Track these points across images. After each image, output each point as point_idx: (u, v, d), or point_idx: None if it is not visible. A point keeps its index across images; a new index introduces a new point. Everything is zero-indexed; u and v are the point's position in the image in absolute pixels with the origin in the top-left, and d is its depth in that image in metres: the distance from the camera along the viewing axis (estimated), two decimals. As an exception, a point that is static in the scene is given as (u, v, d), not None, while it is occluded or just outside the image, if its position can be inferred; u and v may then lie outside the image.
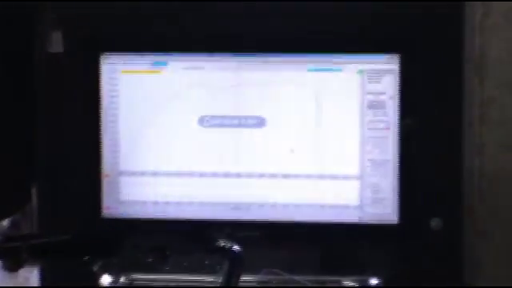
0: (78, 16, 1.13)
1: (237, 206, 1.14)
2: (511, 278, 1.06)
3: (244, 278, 1.00)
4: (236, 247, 1.01)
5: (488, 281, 1.06)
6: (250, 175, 1.13)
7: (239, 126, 1.12)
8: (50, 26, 1.13)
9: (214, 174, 1.13)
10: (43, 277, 1.14)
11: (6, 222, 1.10)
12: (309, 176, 1.12)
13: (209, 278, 1.11)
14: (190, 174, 1.14)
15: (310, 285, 1.10)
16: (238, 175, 1.13)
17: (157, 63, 1.13)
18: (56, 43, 1.13)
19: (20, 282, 1.11)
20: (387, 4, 1.09)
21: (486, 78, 1.06)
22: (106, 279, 1.12)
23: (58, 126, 1.15)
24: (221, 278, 0.97)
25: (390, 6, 1.09)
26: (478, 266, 1.07)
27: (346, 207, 1.12)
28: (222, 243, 1.03)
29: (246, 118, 1.12)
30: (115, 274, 1.13)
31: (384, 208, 1.12)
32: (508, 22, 1.06)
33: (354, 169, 1.12)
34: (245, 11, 1.11)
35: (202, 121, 1.13)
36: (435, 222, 1.11)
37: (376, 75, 1.11)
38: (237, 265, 1.01)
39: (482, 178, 1.07)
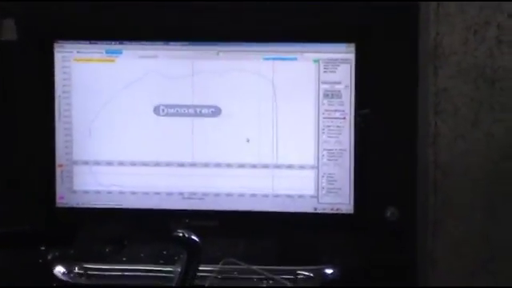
0: (31, 3, 1.23)
1: (192, 196, 1.24)
2: (464, 268, 1.18)
3: (202, 267, 1.05)
4: (194, 237, 1.07)
5: (440, 270, 1.18)
6: (205, 165, 1.24)
7: (195, 115, 1.22)
8: (1, 14, 1.22)
9: (170, 164, 1.24)
10: (-4, 267, 1.23)
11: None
12: (265, 165, 1.23)
13: (167, 268, 1.19)
14: (145, 164, 1.24)
15: (266, 274, 1.19)
16: (194, 164, 1.24)
17: (111, 51, 1.23)
18: (8, 31, 1.23)
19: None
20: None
21: (441, 67, 1.15)
22: (59, 269, 1.23)
23: (11, 115, 1.25)
24: (179, 268, 1.02)
25: (345, -5, 1.16)
26: (431, 255, 1.19)
27: (302, 197, 1.23)
28: (179, 233, 1.09)
29: (201, 107, 1.22)
30: (69, 264, 1.23)
31: (340, 198, 1.23)
32: (462, 11, 1.16)
33: (309, 158, 1.22)
34: (201, 2, 1.21)
35: (157, 110, 1.23)
36: (390, 212, 1.23)
37: (332, 64, 1.21)
38: (195, 255, 1.06)
39: (437, 169, 1.16)
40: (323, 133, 1.22)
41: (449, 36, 1.14)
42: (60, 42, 1.23)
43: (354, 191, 1.22)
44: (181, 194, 1.25)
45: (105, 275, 1.22)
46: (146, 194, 1.25)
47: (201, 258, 1.02)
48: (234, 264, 1.19)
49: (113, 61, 1.23)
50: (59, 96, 1.24)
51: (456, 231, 1.16)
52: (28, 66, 1.24)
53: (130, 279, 1.21)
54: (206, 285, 1.16)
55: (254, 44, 1.22)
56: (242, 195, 1.24)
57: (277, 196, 1.23)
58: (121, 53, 1.23)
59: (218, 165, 1.23)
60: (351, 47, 1.21)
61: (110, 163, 1.25)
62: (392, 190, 1.22)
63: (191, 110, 1.22)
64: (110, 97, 1.23)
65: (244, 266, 1.19)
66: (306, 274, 1.22)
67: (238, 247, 1.23)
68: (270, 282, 1.19)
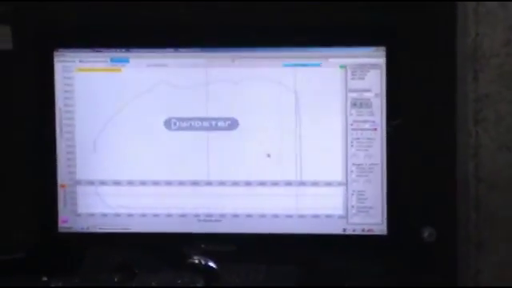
0: (28, 9, 1.20)
1: (208, 218, 1.20)
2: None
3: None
4: (211, 263, 1.06)
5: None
6: (222, 183, 1.20)
7: (209, 128, 1.19)
8: (-3, 21, 1.18)
9: (183, 183, 1.20)
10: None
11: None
12: (288, 183, 1.19)
13: (182, 299, 1.12)
14: (156, 183, 1.20)
15: (291, 303, 1.15)
16: (209, 183, 1.20)
17: (116, 60, 1.20)
18: (4, 39, 1.20)
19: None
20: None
21: (481, 71, 1.11)
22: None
23: (8, 131, 1.22)
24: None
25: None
26: (474, 281, 1.13)
27: (330, 217, 1.19)
28: (195, 259, 1.09)
29: (216, 119, 1.19)
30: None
31: (371, 217, 1.19)
32: (504, 9, 1.11)
33: (337, 174, 1.18)
34: (214, 2, 1.17)
35: (168, 123, 1.20)
36: (428, 233, 1.18)
37: (360, 70, 1.17)
38: (212, 283, 1.05)
39: (479, 183, 1.12)
40: (352, 146, 1.18)
41: (489, 37, 1.10)
42: (60, 50, 1.20)
43: (387, 210, 1.18)
44: (196, 215, 1.21)
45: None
46: (157, 216, 1.21)
47: (219, 287, 0.99)
48: (254, 292, 1.13)
49: (119, 70, 1.20)
50: (60, 109, 1.21)
51: (502, 252, 1.12)
52: (26, 77, 1.21)
53: (140, 310, 1.16)
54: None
55: (274, 49, 1.18)
56: (262, 216, 1.20)
57: (301, 216, 1.19)
58: (127, 61, 1.20)
59: (235, 183, 1.20)
60: (381, 51, 1.17)
61: (117, 183, 1.21)
62: (429, 207, 1.18)
63: (205, 123, 1.19)
64: (116, 110, 1.20)
65: (266, 294, 1.13)
66: (335, 302, 1.16)
67: (259, 274, 1.17)
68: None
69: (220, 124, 1.19)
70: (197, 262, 1.07)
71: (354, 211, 1.19)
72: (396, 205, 1.18)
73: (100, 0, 1.19)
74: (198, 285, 1.08)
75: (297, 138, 1.18)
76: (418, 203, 1.18)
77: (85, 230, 1.22)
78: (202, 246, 1.17)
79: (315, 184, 1.19)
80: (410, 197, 1.18)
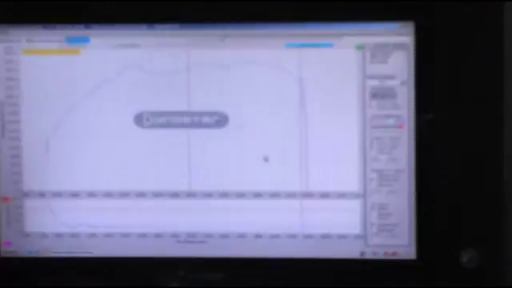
0: None
1: (190, 238, 1.10)
2: None
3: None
4: None
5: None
6: (207, 194, 1.09)
7: (191, 125, 1.09)
8: None
9: (158, 194, 1.10)
10: None
11: None
12: (290, 194, 1.09)
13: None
14: (125, 195, 1.10)
15: None
16: (192, 194, 1.09)
17: (74, 39, 1.09)
18: None
19: None
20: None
21: None
22: None
23: None
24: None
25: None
26: None
27: (344, 237, 1.09)
28: None
29: (200, 114, 1.08)
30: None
31: (396, 238, 1.08)
32: None
33: (353, 183, 1.08)
34: None
35: (139, 119, 1.09)
36: (467, 257, 1.07)
37: (382, 52, 1.07)
38: None
39: None
40: (371, 147, 1.07)
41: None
42: (1, 26, 1.09)
43: (416, 228, 1.07)
44: (174, 235, 1.10)
45: None
46: (127, 236, 1.10)
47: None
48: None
49: (77, 52, 1.09)
50: (2, 103, 1.09)
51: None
52: None
53: None
54: None
55: (273, 25, 1.07)
56: (258, 236, 1.09)
57: (308, 236, 1.09)
58: (87, 41, 1.09)
59: (224, 194, 1.09)
60: (408, 27, 1.06)
61: (75, 194, 1.10)
62: (469, 225, 1.07)
63: (187, 119, 1.09)
64: (73, 102, 1.09)
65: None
66: None
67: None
68: None
69: (205, 120, 1.09)
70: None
71: (374, 230, 1.08)
72: (427, 222, 1.07)
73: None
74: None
75: (302, 138, 1.08)
76: (455, 220, 1.07)
77: (34, 255, 1.11)
78: (182, 273, 1.10)
79: (325, 196, 1.08)
80: (444, 212, 1.07)
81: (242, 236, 1.09)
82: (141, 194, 1.10)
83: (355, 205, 1.08)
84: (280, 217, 1.09)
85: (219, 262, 1.10)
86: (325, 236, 1.08)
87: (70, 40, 1.09)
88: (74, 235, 1.10)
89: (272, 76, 1.07)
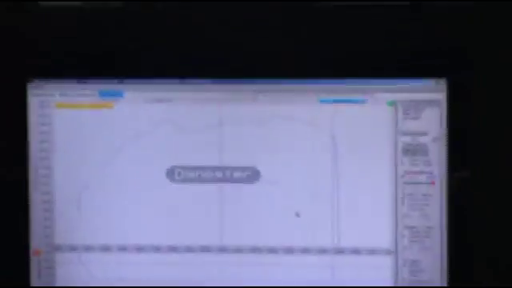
0: None
1: None
2: None
3: None
4: None
5: None
6: (238, 249, 1.09)
7: (223, 180, 1.08)
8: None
9: (190, 249, 1.09)
10: None
11: None
12: (322, 250, 1.08)
13: None
14: (156, 249, 1.09)
15: None
16: (223, 249, 1.09)
17: (107, 93, 1.09)
18: None
19: None
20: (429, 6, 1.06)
21: None
22: None
23: None
24: None
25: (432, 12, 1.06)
26: None
27: None
28: None
29: (232, 169, 1.08)
30: None
31: None
32: None
33: (384, 240, 1.08)
34: (231, 21, 1.07)
35: (171, 174, 1.09)
36: None
37: (414, 108, 1.07)
38: None
39: None
40: (403, 204, 1.07)
41: None
42: (36, 81, 1.10)
43: (449, 286, 1.07)
44: None
45: None
46: None
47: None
48: None
49: (110, 106, 1.09)
50: (36, 156, 1.09)
51: None
52: None
53: None
54: None
55: (307, 81, 1.07)
56: None
57: None
58: (121, 95, 1.09)
59: (256, 249, 1.09)
60: (441, 84, 1.06)
61: (106, 248, 1.10)
62: (504, 283, 1.06)
63: (218, 174, 1.08)
64: (106, 157, 1.09)
65: None
66: None
67: None
68: None
69: (237, 175, 1.08)
70: None
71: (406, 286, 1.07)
72: (461, 279, 1.07)
73: (86, 21, 1.09)
74: None
75: (334, 193, 1.08)
76: (488, 278, 1.06)
77: None
78: (214, 330, 1.09)
79: (356, 252, 1.08)
80: (478, 269, 1.06)
81: (273, 292, 1.08)
82: (172, 249, 1.09)
83: (387, 261, 1.07)
84: (311, 272, 1.08)
85: (250, 318, 1.08)
86: (357, 292, 1.08)
87: (103, 94, 1.09)
88: (106, 289, 1.09)
89: (305, 131, 1.07)
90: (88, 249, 1.10)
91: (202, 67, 1.08)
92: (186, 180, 1.09)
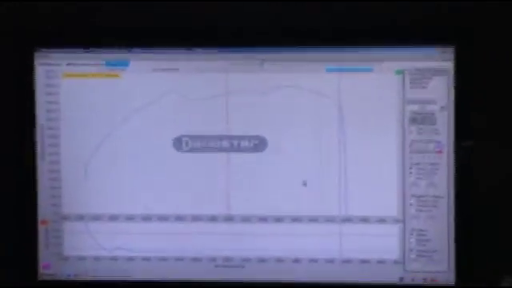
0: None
1: (228, 262, 1.10)
2: None
3: None
4: None
5: None
6: (245, 218, 1.09)
7: (230, 149, 1.09)
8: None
9: (196, 218, 1.10)
10: None
11: None
12: (329, 219, 1.08)
13: None
14: (163, 218, 1.10)
15: None
16: (230, 218, 1.09)
17: (114, 63, 1.09)
18: None
19: None
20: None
21: None
22: None
23: None
24: None
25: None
26: None
27: (382, 262, 1.08)
28: None
29: (239, 138, 1.09)
30: None
31: (435, 263, 1.08)
32: None
33: (391, 209, 1.08)
34: None
35: (178, 143, 1.09)
36: (508, 282, 1.07)
37: (422, 77, 1.06)
38: None
39: None
40: (411, 173, 1.07)
41: None
42: (43, 50, 1.10)
43: (456, 254, 1.07)
44: (212, 259, 1.10)
45: None
46: (164, 260, 1.10)
47: None
48: None
49: (116, 76, 1.09)
50: (42, 125, 1.10)
51: None
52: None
53: None
54: None
55: (313, 49, 1.07)
56: (297, 261, 1.09)
57: (346, 261, 1.09)
58: (127, 65, 1.09)
59: (263, 219, 1.09)
60: (449, 52, 1.06)
61: (114, 218, 1.10)
62: (509, 252, 1.08)
63: (225, 143, 1.09)
64: (112, 126, 1.09)
65: None
66: None
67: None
68: None
69: (244, 144, 1.09)
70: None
71: (413, 255, 1.08)
72: (467, 247, 1.07)
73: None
74: None
75: (341, 163, 1.08)
76: (495, 245, 1.08)
77: (72, 278, 1.11)
78: (219, 298, 1.10)
79: (364, 220, 1.08)
80: (484, 237, 1.07)
81: (279, 261, 1.09)
82: (179, 218, 1.10)
83: (394, 230, 1.08)
84: (318, 241, 1.09)
85: (257, 287, 1.09)
86: (363, 261, 1.08)
87: (110, 64, 1.09)
88: (112, 259, 1.10)
89: (311, 100, 1.07)
90: (95, 218, 1.10)
91: (208, 36, 1.08)
92: (192, 149, 1.09)
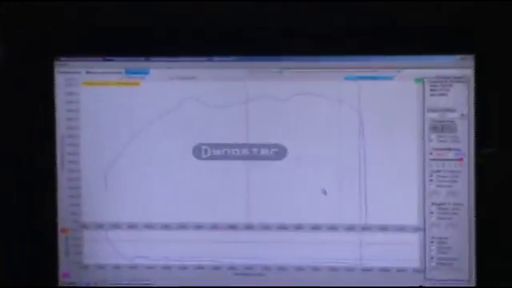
0: (22, 8, 1.10)
1: (248, 270, 1.10)
2: None
3: None
4: None
5: None
6: (265, 227, 1.09)
7: (250, 157, 1.08)
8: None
9: (216, 226, 1.09)
10: None
11: None
12: (349, 227, 1.08)
13: None
14: (183, 226, 1.10)
15: None
16: (250, 227, 1.09)
17: (133, 71, 1.09)
18: None
19: None
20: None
21: None
22: None
23: None
24: None
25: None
26: None
27: (403, 271, 1.08)
28: None
29: (258, 146, 1.08)
30: None
31: (456, 272, 1.07)
32: None
33: (412, 217, 1.07)
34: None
35: (198, 151, 1.09)
36: None
37: (442, 85, 1.06)
38: None
39: None
40: (431, 181, 1.07)
41: None
42: (63, 59, 1.10)
43: (477, 263, 1.06)
44: (232, 267, 1.10)
45: None
46: (185, 268, 1.10)
47: None
48: None
49: (136, 84, 1.09)
50: (62, 135, 1.10)
51: None
52: (19, 93, 1.10)
53: None
54: None
55: (333, 58, 1.07)
56: (316, 269, 1.09)
57: (367, 270, 1.08)
58: (147, 73, 1.09)
59: (282, 227, 1.09)
60: (469, 60, 1.06)
61: (133, 226, 1.10)
62: None
63: (245, 151, 1.08)
64: (133, 134, 1.09)
65: None
66: None
67: None
68: None
69: (263, 152, 1.08)
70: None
71: (433, 264, 1.07)
72: (488, 256, 1.06)
73: (113, 1, 1.09)
74: None
75: (361, 171, 1.08)
76: None
77: (92, 286, 1.11)
78: (240, 305, 1.09)
79: (384, 229, 1.08)
80: (506, 246, 1.06)
81: (299, 269, 1.09)
82: (198, 226, 1.09)
83: (414, 238, 1.07)
84: (338, 250, 1.08)
85: (277, 295, 1.09)
86: (383, 269, 1.08)
87: (130, 72, 1.09)
88: (132, 267, 1.10)
89: (331, 108, 1.07)
90: (115, 226, 1.10)
91: (228, 45, 1.08)
92: (212, 157, 1.09)
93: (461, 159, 1.06)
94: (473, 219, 1.06)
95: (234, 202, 1.09)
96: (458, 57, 1.06)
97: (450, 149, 1.06)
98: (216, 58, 1.08)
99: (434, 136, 1.06)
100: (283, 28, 1.07)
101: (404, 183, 1.07)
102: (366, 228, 1.08)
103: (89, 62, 1.09)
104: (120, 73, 1.09)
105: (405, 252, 1.08)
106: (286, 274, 1.09)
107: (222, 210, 1.09)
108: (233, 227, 1.09)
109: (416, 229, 1.07)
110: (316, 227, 1.08)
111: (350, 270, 1.08)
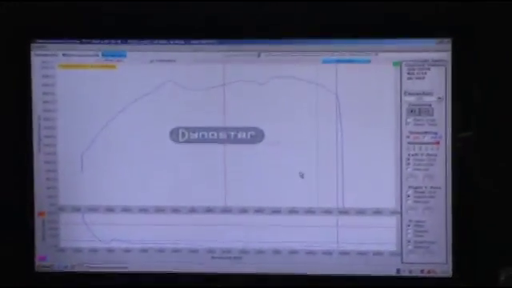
0: None
1: (225, 254, 1.10)
2: None
3: None
4: None
5: None
6: (242, 210, 1.09)
7: (227, 141, 1.09)
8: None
9: (193, 209, 1.10)
10: None
11: None
12: (326, 211, 1.08)
13: None
14: (160, 210, 1.10)
15: None
16: (227, 210, 1.09)
17: (110, 54, 1.09)
18: None
19: None
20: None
21: None
22: None
23: None
24: None
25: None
26: None
27: (380, 254, 1.08)
28: None
29: (236, 130, 1.08)
30: None
31: (433, 255, 1.08)
32: None
33: (389, 200, 1.08)
34: None
35: (175, 134, 1.09)
36: (506, 275, 1.06)
37: (419, 68, 1.06)
38: None
39: None
40: (408, 164, 1.07)
41: None
42: (39, 41, 1.09)
43: (453, 246, 1.07)
44: (210, 251, 1.10)
45: None
46: (162, 251, 1.10)
47: None
48: None
49: (113, 67, 1.09)
50: (39, 117, 1.10)
51: None
52: None
53: None
54: None
55: (310, 41, 1.07)
56: (294, 252, 1.09)
57: (344, 253, 1.09)
58: (124, 56, 1.09)
59: (259, 210, 1.09)
60: (446, 43, 1.06)
61: (110, 209, 1.10)
62: (507, 244, 1.07)
63: (222, 135, 1.09)
64: (109, 117, 1.09)
65: None
66: None
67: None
68: None
69: (240, 135, 1.09)
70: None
71: (410, 247, 1.08)
72: (464, 239, 1.07)
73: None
74: None
75: (338, 154, 1.08)
76: (492, 237, 1.07)
77: (69, 270, 1.11)
78: (216, 290, 1.09)
79: (361, 212, 1.08)
80: (482, 229, 1.07)
81: (277, 252, 1.09)
82: (175, 210, 1.10)
83: (391, 221, 1.08)
84: (315, 233, 1.09)
85: (255, 278, 1.09)
86: (360, 253, 1.08)
87: (107, 55, 1.09)
88: (109, 250, 1.10)
89: (308, 92, 1.07)
90: (92, 210, 1.10)
91: (205, 28, 1.08)
92: (189, 140, 1.09)
93: (437, 142, 1.07)
94: (449, 203, 1.07)
95: (211, 185, 1.09)
96: (435, 40, 1.06)
97: (426, 132, 1.07)
98: (193, 41, 1.08)
99: (410, 119, 1.07)
100: (261, 11, 1.08)
101: (381, 166, 1.07)
102: (342, 211, 1.08)
103: (65, 45, 1.09)
104: (97, 55, 1.09)
105: (382, 235, 1.08)
106: (263, 258, 1.09)
107: (200, 194, 1.09)
108: (210, 210, 1.10)
109: (393, 212, 1.08)
110: (293, 211, 1.09)
111: (327, 253, 1.09)
